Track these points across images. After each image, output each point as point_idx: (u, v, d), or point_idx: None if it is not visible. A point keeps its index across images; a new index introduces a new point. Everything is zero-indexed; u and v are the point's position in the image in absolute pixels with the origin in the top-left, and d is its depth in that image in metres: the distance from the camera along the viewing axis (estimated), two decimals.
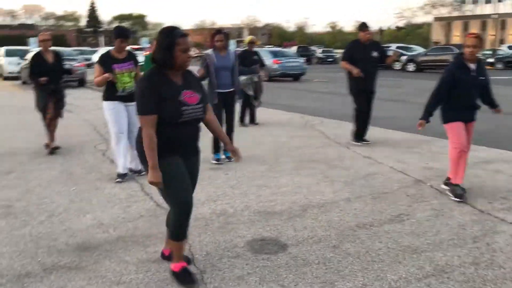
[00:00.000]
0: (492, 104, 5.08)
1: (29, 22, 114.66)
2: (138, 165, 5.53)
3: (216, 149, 6.33)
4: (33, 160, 6.42)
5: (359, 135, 7.42)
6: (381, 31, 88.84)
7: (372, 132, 8.42)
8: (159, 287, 3.11)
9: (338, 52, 65.41)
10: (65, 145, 7.35)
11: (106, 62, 5.39)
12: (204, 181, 5.41)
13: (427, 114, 4.91)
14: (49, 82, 6.69)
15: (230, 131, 6.35)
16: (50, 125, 6.96)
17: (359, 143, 7.33)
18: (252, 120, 9.58)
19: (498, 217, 4.27)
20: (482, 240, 3.78)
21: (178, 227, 3.13)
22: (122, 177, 5.47)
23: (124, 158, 5.54)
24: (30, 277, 3.22)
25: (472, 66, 4.78)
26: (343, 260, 3.47)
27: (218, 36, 6.11)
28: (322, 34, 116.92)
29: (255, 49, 9.83)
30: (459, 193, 4.74)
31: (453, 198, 4.73)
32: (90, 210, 4.47)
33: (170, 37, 2.91)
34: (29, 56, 18.50)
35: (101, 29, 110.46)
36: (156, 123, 2.92)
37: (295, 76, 21.89)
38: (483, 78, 4.88)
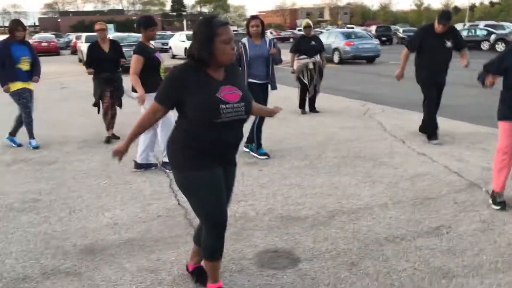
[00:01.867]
0: None
1: (118, 7, 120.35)
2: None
3: (250, 140, 6.06)
4: (78, 150, 6.51)
5: (434, 132, 6.56)
6: (472, 7, 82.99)
7: (440, 123, 7.73)
8: None
9: None
10: (100, 137, 7.39)
11: (145, 52, 5.26)
12: (236, 178, 5.15)
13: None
14: (106, 71, 6.72)
15: (260, 123, 6.00)
16: (107, 114, 7.02)
17: (438, 140, 6.46)
18: (312, 108, 9.16)
19: None
20: None
21: (211, 247, 2.78)
22: (140, 167, 5.48)
23: (146, 150, 5.47)
24: (26, 281, 3.15)
25: None
26: (358, 281, 3.07)
27: (254, 21, 5.73)
28: (407, 12, 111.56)
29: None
30: (497, 201, 4.14)
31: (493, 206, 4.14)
32: (111, 208, 4.39)
33: (209, 27, 2.48)
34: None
35: (185, 13, 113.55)
36: (192, 125, 2.56)
37: (369, 59, 20.89)
38: None
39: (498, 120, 4.18)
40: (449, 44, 6.31)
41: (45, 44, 31.82)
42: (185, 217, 4.12)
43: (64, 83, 15.24)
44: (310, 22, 9.29)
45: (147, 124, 2.69)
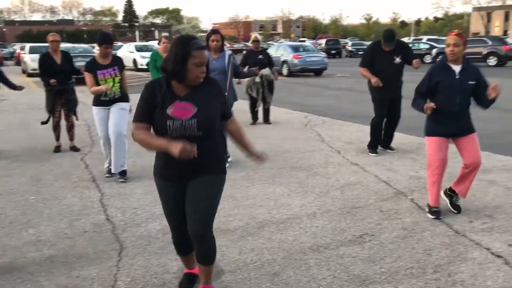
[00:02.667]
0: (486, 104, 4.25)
1: (68, 17, 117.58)
2: (117, 168, 5.57)
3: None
4: (9, 165, 6.29)
5: (374, 146, 6.77)
6: (417, 22, 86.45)
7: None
8: None
9: None
10: (51, 148, 7.21)
11: (92, 68, 5.38)
12: None
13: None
14: (57, 83, 6.66)
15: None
16: (56, 128, 6.99)
17: (374, 154, 6.64)
18: (266, 119, 9.30)
19: (474, 240, 3.79)
20: (444, 270, 3.33)
21: (173, 243, 3.04)
22: (111, 173, 5.65)
23: (111, 157, 5.60)
24: None
25: (456, 68, 4.21)
26: None
27: (214, 36, 5.75)
28: (356, 26, 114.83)
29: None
30: (432, 211, 4.32)
31: (429, 215, 4.30)
32: (36, 224, 4.25)
33: (186, 48, 2.55)
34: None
35: (137, 24, 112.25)
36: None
37: (316, 71, 21.32)
38: (472, 82, 4.17)
39: (425, 136, 4.34)
40: (397, 60, 6.44)
41: None
42: (112, 232, 4.06)
43: (3, 94, 14.68)
44: (258, 36, 9.46)
45: (147, 136, 2.62)
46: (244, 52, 9.81)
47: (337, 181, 5.40)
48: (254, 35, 9.56)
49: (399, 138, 7.65)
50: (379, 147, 6.82)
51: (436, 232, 3.97)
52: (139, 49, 25.49)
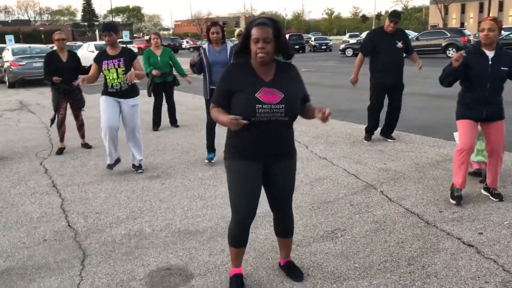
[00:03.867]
0: None
1: (24, 17, 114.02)
2: (136, 160, 5.76)
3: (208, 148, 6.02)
4: None
5: (368, 131, 6.86)
6: (378, 16, 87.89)
7: (340, 127, 7.96)
8: None
9: (333, 39, 64.75)
10: (7, 152, 6.89)
11: (99, 59, 5.50)
12: (135, 193, 4.96)
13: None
14: (63, 81, 6.55)
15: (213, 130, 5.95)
16: (61, 126, 6.82)
17: (366, 141, 6.77)
18: None
19: (445, 230, 3.77)
20: (418, 262, 3.29)
21: (230, 232, 2.99)
22: (110, 167, 5.70)
23: (112, 149, 5.59)
24: None
25: (490, 53, 4.15)
26: None
27: (214, 28, 5.66)
28: (319, 21, 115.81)
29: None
30: (455, 195, 4.33)
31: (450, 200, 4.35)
32: None
33: (248, 27, 2.68)
34: (4, 54, 18.04)
35: (97, 23, 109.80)
36: None
37: None
38: (504, 68, 4.14)
39: (456, 120, 4.34)
40: (399, 44, 6.44)
41: None
42: (74, 239, 3.85)
43: None
44: (242, 30, 9.33)
45: (216, 118, 2.76)
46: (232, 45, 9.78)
47: (306, 176, 5.33)
48: (239, 29, 9.49)
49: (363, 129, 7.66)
50: (382, 137, 6.87)
51: (408, 223, 3.94)
52: (100, 48, 24.81)
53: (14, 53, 17.23)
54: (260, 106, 2.65)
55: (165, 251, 3.61)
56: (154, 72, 7.86)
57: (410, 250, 3.47)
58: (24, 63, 16.47)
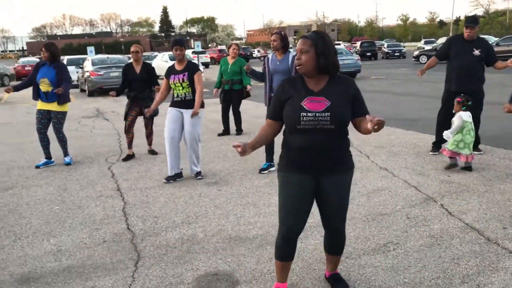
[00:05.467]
0: None
1: (106, 29, 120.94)
2: (193, 171, 5.91)
3: (267, 157, 6.06)
4: (39, 175, 6.41)
5: (436, 143, 6.62)
6: (456, 21, 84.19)
7: (405, 137, 7.74)
8: None
9: (408, 46, 62.78)
10: (80, 157, 7.34)
11: (168, 74, 5.83)
12: (193, 199, 5.10)
13: None
14: (134, 90, 7.04)
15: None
16: (128, 131, 7.17)
17: (435, 153, 6.52)
18: None
19: (507, 249, 3.55)
20: (473, 281, 3.12)
21: (276, 245, 2.97)
22: (168, 179, 5.79)
23: (172, 160, 5.75)
24: None
25: None
26: None
27: (273, 36, 5.80)
28: (393, 27, 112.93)
29: None
30: None
31: None
32: (58, 234, 4.28)
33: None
34: (85, 64, 19.24)
35: (173, 33, 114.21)
36: (286, 130, 2.85)
37: (350, 74, 20.96)
38: None
39: None
40: (476, 52, 6.19)
41: (29, 68, 31.70)
42: (131, 242, 4.03)
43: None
44: None
45: (265, 132, 2.90)
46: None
47: (364, 187, 5.21)
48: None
49: (432, 140, 7.37)
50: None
51: (466, 239, 3.74)
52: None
53: (93, 64, 18.31)
54: (305, 114, 2.67)
55: (214, 256, 3.68)
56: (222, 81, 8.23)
57: (466, 268, 3.30)
58: (102, 73, 17.46)
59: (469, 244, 3.65)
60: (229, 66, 8.45)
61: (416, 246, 3.67)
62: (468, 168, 5.61)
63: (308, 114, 2.67)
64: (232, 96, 8.58)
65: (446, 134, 5.73)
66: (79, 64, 21.29)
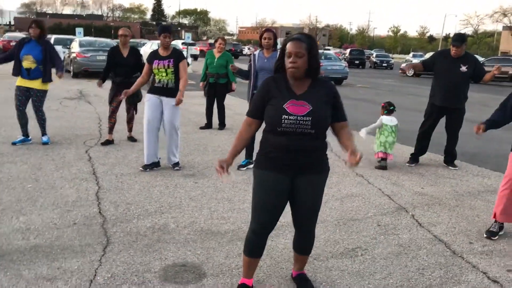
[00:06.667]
0: None
1: (97, 12, 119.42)
2: (170, 160, 5.88)
3: (246, 153, 6.05)
4: (15, 152, 6.31)
5: (413, 155, 6.72)
6: (446, 38, 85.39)
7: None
8: None
9: (396, 57, 63.40)
10: (58, 138, 7.25)
11: (150, 59, 5.74)
12: (168, 189, 5.09)
13: (489, 122, 4.28)
14: (121, 75, 6.90)
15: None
16: (111, 117, 7.06)
17: (412, 165, 6.60)
18: None
19: (471, 263, 3.63)
20: None
21: (246, 240, 3.00)
22: (145, 167, 5.75)
23: (150, 149, 5.73)
24: None
25: None
26: None
27: (266, 33, 5.74)
28: (384, 38, 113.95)
29: None
30: (488, 229, 4.22)
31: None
32: (28, 212, 4.23)
33: (284, 43, 2.75)
34: (72, 45, 18.99)
35: (164, 23, 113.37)
36: (265, 129, 2.84)
37: (337, 80, 21.11)
38: None
39: (511, 151, 4.14)
40: (463, 68, 6.19)
41: (14, 43, 31.18)
42: (101, 226, 4.00)
43: None
44: None
45: (244, 136, 2.92)
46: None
47: (338, 191, 5.27)
48: None
49: (410, 152, 7.47)
50: (446, 164, 6.65)
51: (433, 251, 3.82)
52: None
53: (81, 45, 18.07)
54: (286, 117, 2.69)
55: (184, 247, 3.68)
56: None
57: (430, 278, 3.36)
58: (89, 55, 17.24)
59: (435, 256, 3.73)
60: (215, 60, 8.41)
61: (383, 253, 3.73)
62: (383, 167, 6.29)
63: (289, 117, 2.69)
64: (216, 89, 8.56)
65: (362, 130, 6.40)
66: (66, 44, 20.97)
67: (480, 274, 3.45)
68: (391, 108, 6.54)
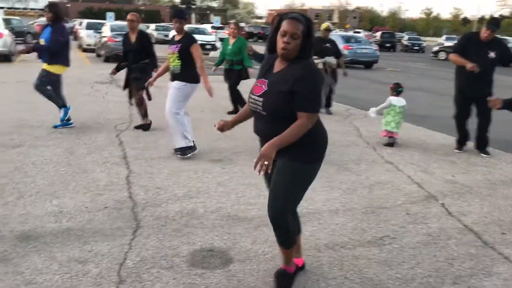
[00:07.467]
0: None
1: None
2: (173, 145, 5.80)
3: None
4: (48, 136, 6.47)
5: (458, 141, 6.59)
6: (481, 19, 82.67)
7: (414, 132, 7.70)
8: None
9: (428, 40, 61.86)
10: (90, 122, 7.39)
11: (170, 44, 5.79)
12: (196, 174, 5.14)
13: (508, 101, 4.18)
14: (128, 61, 6.89)
15: None
16: (142, 104, 7.01)
17: (459, 151, 6.48)
18: (327, 105, 9.18)
19: (502, 254, 3.55)
20: (465, 282, 3.14)
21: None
22: (176, 151, 5.74)
23: (172, 134, 5.73)
24: None
25: None
26: None
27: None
28: (416, 20, 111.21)
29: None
30: None
31: None
32: (60, 195, 4.34)
33: (278, 19, 2.60)
34: (103, 29, 19.22)
35: (194, 6, 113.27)
36: None
37: (367, 64, 20.80)
38: None
39: None
40: (492, 54, 6.06)
41: None
42: (131, 210, 4.08)
43: None
44: (330, 26, 9.55)
45: (245, 112, 2.96)
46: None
47: (367, 178, 5.22)
48: (327, 24, 9.59)
49: (441, 139, 7.34)
50: (478, 150, 6.48)
51: (463, 241, 3.75)
52: (191, 31, 25.46)
53: (112, 30, 18.30)
54: (251, 95, 2.71)
55: (211, 232, 3.72)
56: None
57: (459, 269, 3.31)
58: (119, 40, 17.40)
59: (466, 246, 3.66)
60: (230, 46, 8.38)
61: (412, 243, 3.69)
62: (391, 144, 6.64)
63: (252, 96, 2.70)
64: (231, 75, 8.56)
65: (371, 110, 6.74)
66: (97, 28, 21.27)
67: None
68: (399, 89, 6.80)
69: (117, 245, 3.45)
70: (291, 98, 2.54)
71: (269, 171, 2.53)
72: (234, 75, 8.55)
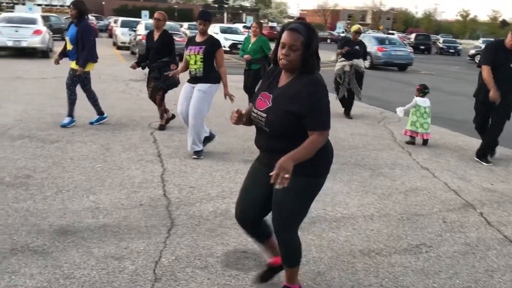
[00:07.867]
0: None
1: None
2: (191, 148, 5.67)
3: None
4: (84, 132, 6.60)
5: (482, 154, 6.24)
6: (503, 23, 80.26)
7: (451, 138, 7.55)
8: None
9: (464, 43, 60.50)
10: (124, 119, 7.51)
11: (187, 44, 5.79)
12: (229, 174, 5.15)
13: None
14: (149, 59, 6.90)
15: None
16: (161, 105, 7.05)
17: (484, 163, 6.12)
18: (347, 113, 9.03)
19: None
20: None
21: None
22: (194, 153, 5.70)
23: (188, 136, 5.71)
24: None
25: None
26: None
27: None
28: (451, 22, 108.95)
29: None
30: None
31: None
32: (97, 191, 4.42)
33: (281, 29, 2.52)
34: (138, 27, 19.50)
35: (226, 6, 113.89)
36: None
37: (401, 66, 20.47)
38: None
39: None
40: None
41: None
42: (166, 208, 4.12)
43: None
44: (361, 28, 9.50)
45: None
46: (341, 39, 10.79)
47: (402, 184, 5.13)
48: (357, 26, 9.54)
49: (479, 145, 7.14)
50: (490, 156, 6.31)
51: (503, 252, 3.65)
52: (224, 31, 25.83)
53: (146, 28, 18.47)
54: (254, 110, 2.61)
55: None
56: (245, 56, 8.28)
57: (500, 281, 3.22)
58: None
59: (506, 258, 3.56)
60: (249, 46, 8.30)
61: (449, 252, 3.61)
62: (425, 142, 6.89)
63: (255, 109, 2.61)
64: (249, 75, 8.48)
65: (398, 109, 6.97)
66: (132, 27, 21.59)
67: None
68: (426, 91, 7.06)
69: (153, 243, 3.49)
70: (296, 118, 2.45)
71: (285, 185, 2.33)
72: (251, 77, 8.40)
